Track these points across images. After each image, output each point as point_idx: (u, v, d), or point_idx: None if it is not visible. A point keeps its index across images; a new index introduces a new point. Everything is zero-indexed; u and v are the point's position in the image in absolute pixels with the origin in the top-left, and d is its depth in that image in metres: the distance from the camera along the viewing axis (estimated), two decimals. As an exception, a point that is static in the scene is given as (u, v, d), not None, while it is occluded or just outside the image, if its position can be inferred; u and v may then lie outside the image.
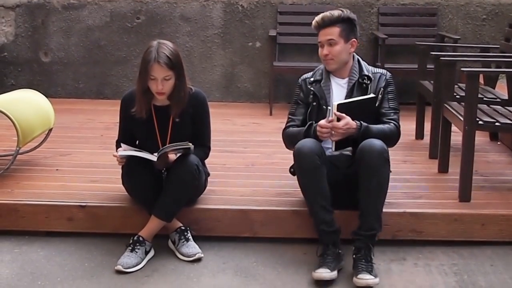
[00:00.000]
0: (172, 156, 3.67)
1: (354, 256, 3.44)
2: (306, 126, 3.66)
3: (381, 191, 3.51)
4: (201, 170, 3.71)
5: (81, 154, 4.95)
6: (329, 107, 3.59)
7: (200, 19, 7.17)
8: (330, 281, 3.36)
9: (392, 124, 3.67)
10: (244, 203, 3.91)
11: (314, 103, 3.74)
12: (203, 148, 3.81)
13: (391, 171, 3.63)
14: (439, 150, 4.60)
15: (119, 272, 3.47)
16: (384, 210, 3.81)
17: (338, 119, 3.50)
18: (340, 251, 3.48)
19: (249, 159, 4.82)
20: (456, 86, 4.92)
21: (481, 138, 5.22)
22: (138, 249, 3.55)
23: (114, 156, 3.63)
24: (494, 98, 4.94)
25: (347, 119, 3.50)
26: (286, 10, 7.11)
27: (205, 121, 3.83)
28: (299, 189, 3.62)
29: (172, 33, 7.13)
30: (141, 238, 3.58)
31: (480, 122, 4.01)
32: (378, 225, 3.50)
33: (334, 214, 3.52)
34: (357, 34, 3.75)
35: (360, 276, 3.32)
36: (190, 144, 3.59)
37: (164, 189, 3.65)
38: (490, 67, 5.47)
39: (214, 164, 4.21)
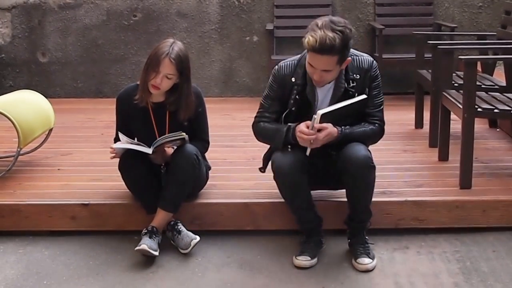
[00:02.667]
0: (170, 150, 3.69)
1: (349, 240, 3.57)
2: (286, 130, 3.45)
3: (369, 191, 3.51)
4: (200, 159, 3.73)
5: (82, 153, 4.96)
6: (314, 116, 3.35)
7: (197, 15, 7.17)
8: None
9: (376, 124, 3.55)
10: (246, 197, 3.92)
11: (293, 108, 3.49)
12: (202, 142, 3.83)
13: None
14: (439, 139, 4.61)
15: (142, 251, 3.48)
16: (385, 199, 3.86)
17: (319, 130, 3.36)
18: (322, 239, 3.61)
19: (249, 153, 4.82)
20: (454, 74, 4.93)
21: (480, 125, 5.24)
22: (155, 237, 3.58)
23: (111, 148, 3.66)
24: (492, 85, 4.95)
25: (329, 129, 3.35)
26: (283, 3, 7.11)
27: (202, 116, 3.84)
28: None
29: (169, 29, 7.13)
30: (155, 229, 3.60)
31: (479, 110, 4.02)
32: (368, 215, 3.58)
33: (317, 206, 3.61)
34: (350, 47, 3.35)
35: (359, 260, 3.45)
36: (184, 134, 3.61)
37: (166, 182, 3.68)
38: (488, 55, 5.48)
39: (215, 159, 4.22)
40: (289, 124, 3.47)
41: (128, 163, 3.65)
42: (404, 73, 6.98)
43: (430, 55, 5.07)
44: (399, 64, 6.86)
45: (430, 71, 5.12)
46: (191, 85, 3.72)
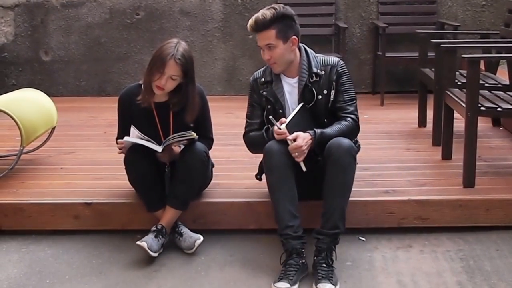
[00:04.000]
0: (177, 149, 3.69)
1: (315, 258, 3.35)
2: (265, 131, 3.60)
3: (346, 189, 3.43)
4: (209, 157, 3.75)
5: (85, 151, 4.96)
6: (273, 121, 3.47)
7: (200, 13, 7.17)
8: None
9: (349, 118, 3.57)
10: (249, 196, 3.92)
11: (269, 106, 3.65)
12: (206, 140, 3.82)
13: (357, 163, 3.56)
14: (442, 137, 4.61)
15: (142, 248, 3.47)
16: (388, 198, 3.85)
17: (295, 140, 3.42)
18: (304, 261, 3.37)
19: (252, 152, 4.83)
20: (457, 73, 4.93)
21: (483, 124, 5.23)
22: (161, 238, 3.58)
23: (119, 142, 3.64)
24: (495, 83, 4.94)
25: (300, 135, 3.42)
26: (285, 1, 7.03)
27: (205, 114, 3.84)
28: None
29: (172, 28, 7.13)
30: (164, 230, 3.60)
31: (482, 108, 4.02)
32: (342, 224, 3.39)
33: (300, 221, 3.42)
34: (296, 29, 3.56)
35: (320, 285, 3.22)
36: (194, 133, 3.61)
37: (174, 179, 3.67)
38: (491, 53, 5.46)
39: (218, 157, 4.22)
40: (268, 125, 3.59)
41: (135, 157, 3.63)
42: (407, 72, 6.98)
43: (433, 54, 5.06)
44: (402, 62, 6.86)
45: (433, 69, 5.12)
46: (195, 86, 3.71)
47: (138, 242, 3.50)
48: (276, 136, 3.48)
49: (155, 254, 3.53)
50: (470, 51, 5.31)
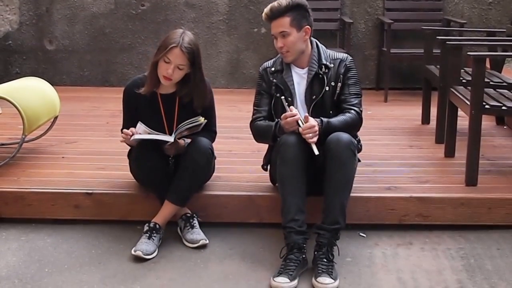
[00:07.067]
0: (182, 142, 3.68)
1: (315, 253, 3.35)
2: (274, 125, 3.58)
3: (347, 185, 3.42)
4: (214, 154, 3.73)
5: (87, 141, 4.96)
6: (284, 102, 3.54)
7: (205, 5, 7.15)
8: None
9: (352, 111, 3.58)
10: (251, 189, 3.91)
11: (278, 95, 3.67)
12: (210, 132, 3.82)
13: (360, 160, 3.58)
14: (446, 135, 4.60)
15: (139, 258, 3.46)
16: (390, 195, 3.84)
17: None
18: (304, 256, 3.36)
19: (255, 145, 4.76)
20: (462, 70, 4.91)
21: (487, 122, 5.21)
22: (155, 236, 3.56)
23: (125, 132, 3.60)
24: (500, 82, 4.91)
25: (310, 117, 3.45)
26: (291, -5, 7.07)
27: (211, 107, 3.83)
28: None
29: (177, 19, 7.11)
30: (157, 226, 3.58)
31: (487, 106, 4.00)
32: (342, 220, 3.39)
33: (305, 217, 3.40)
34: (310, 20, 3.61)
35: (319, 279, 3.21)
36: (202, 118, 3.61)
37: (177, 174, 3.65)
38: (497, 51, 5.44)
39: (220, 150, 4.20)
40: (278, 119, 3.57)
41: (144, 153, 3.60)
42: (412, 68, 6.96)
43: (439, 51, 5.04)
44: (407, 59, 6.84)
45: (438, 66, 5.10)
46: (203, 73, 3.69)
47: (132, 252, 3.48)
48: (287, 120, 3.44)
49: (154, 255, 3.51)
50: (475, 48, 5.31)
